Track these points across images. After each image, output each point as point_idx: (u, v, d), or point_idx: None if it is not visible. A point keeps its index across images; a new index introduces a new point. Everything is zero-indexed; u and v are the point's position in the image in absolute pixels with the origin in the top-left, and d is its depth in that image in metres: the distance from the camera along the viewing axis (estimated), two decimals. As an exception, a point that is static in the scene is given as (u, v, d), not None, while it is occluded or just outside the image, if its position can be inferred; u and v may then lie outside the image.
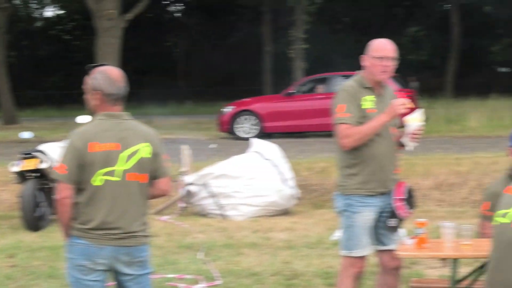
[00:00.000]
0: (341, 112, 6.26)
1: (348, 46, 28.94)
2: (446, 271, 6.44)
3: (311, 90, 24.62)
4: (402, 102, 6.17)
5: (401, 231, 6.27)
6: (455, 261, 5.78)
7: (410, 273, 8.88)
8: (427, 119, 26.41)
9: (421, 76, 36.28)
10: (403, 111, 6.19)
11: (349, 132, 6.21)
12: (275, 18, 34.96)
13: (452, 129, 25.73)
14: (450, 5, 37.12)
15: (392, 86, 22.44)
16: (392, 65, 6.35)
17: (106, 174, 5.07)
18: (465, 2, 38.13)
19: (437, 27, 40.11)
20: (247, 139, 17.54)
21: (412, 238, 5.90)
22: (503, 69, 42.90)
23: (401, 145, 6.52)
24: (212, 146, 21.20)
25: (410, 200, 6.42)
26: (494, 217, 5.21)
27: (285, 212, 13.15)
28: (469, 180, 14.45)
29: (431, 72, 39.07)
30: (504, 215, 5.08)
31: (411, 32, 42.18)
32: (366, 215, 6.34)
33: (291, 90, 25.08)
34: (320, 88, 23.96)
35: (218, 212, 12.84)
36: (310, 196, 14.42)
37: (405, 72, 29.89)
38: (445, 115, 27.77)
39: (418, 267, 9.19)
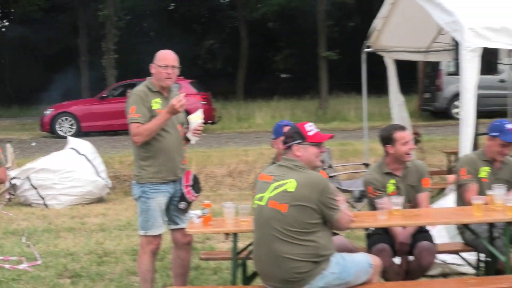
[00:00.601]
0: (133, 113, 6.30)
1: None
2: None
3: (121, 94, 24.35)
4: (179, 100, 6.20)
5: (194, 212, 6.35)
6: (235, 235, 5.91)
7: (203, 247, 9.08)
8: (221, 119, 27.01)
9: (217, 82, 36.75)
10: (180, 109, 6.23)
11: (139, 130, 6.26)
12: (89, 32, 34.55)
13: (242, 126, 26.16)
14: (238, 22, 37.69)
15: (190, 90, 22.59)
16: (174, 72, 6.42)
17: None
18: (251, 19, 38.88)
19: (229, 41, 40.66)
20: (65, 137, 17.21)
21: (200, 217, 6.01)
22: (284, 75, 43.89)
23: (187, 140, 6.61)
24: (33, 144, 20.71)
25: (196, 186, 6.56)
26: (254, 201, 5.41)
27: (99, 200, 13.09)
28: (255, 168, 14.78)
29: (225, 79, 39.48)
30: (260, 199, 5.26)
31: (208, 44, 42.53)
32: (160, 199, 6.41)
33: (104, 94, 24.82)
34: (129, 92, 23.77)
35: (40, 202, 12.62)
36: (122, 185, 14.40)
37: (203, 78, 30.25)
38: (236, 115, 28.22)
39: (210, 242, 9.37)
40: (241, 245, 6.37)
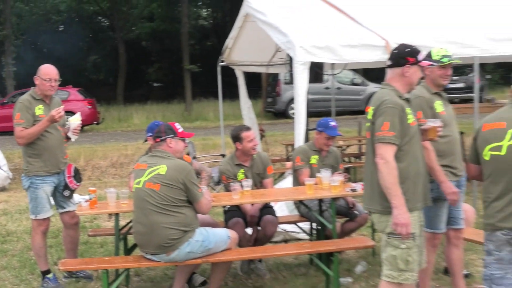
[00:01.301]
0: (18, 118, 6.03)
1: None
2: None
3: (20, 101, 23.50)
4: (58, 112, 5.98)
5: (82, 197, 6.18)
6: (116, 215, 5.80)
7: (91, 225, 8.86)
8: (104, 120, 26.43)
9: (101, 90, 35.93)
10: (59, 119, 6.02)
11: (22, 134, 6.02)
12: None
13: (122, 125, 25.97)
14: (117, 41, 37.09)
15: (78, 97, 21.92)
16: (56, 84, 6.19)
17: None
18: (128, 39, 38.52)
19: (110, 56, 39.83)
20: (-29, 137, 16.38)
21: (87, 201, 5.87)
22: (156, 84, 43.50)
23: (68, 138, 6.41)
24: None
25: (77, 177, 6.38)
26: (133, 185, 5.34)
27: (2, 189, 12.55)
28: (134, 160, 14.56)
29: (107, 87, 38.64)
30: (138, 183, 5.23)
31: (92, 59, 41.67)
32: (46, 189, 6.19)
33: (4, 101, 23.88)
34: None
35: (-52, 192, 11.99)
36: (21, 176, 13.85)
37: (89, 87, 29.50)
38: (117, 116, 27.95)
39: (97, 221, 9.17)
40: (122, 223, 6.31)
